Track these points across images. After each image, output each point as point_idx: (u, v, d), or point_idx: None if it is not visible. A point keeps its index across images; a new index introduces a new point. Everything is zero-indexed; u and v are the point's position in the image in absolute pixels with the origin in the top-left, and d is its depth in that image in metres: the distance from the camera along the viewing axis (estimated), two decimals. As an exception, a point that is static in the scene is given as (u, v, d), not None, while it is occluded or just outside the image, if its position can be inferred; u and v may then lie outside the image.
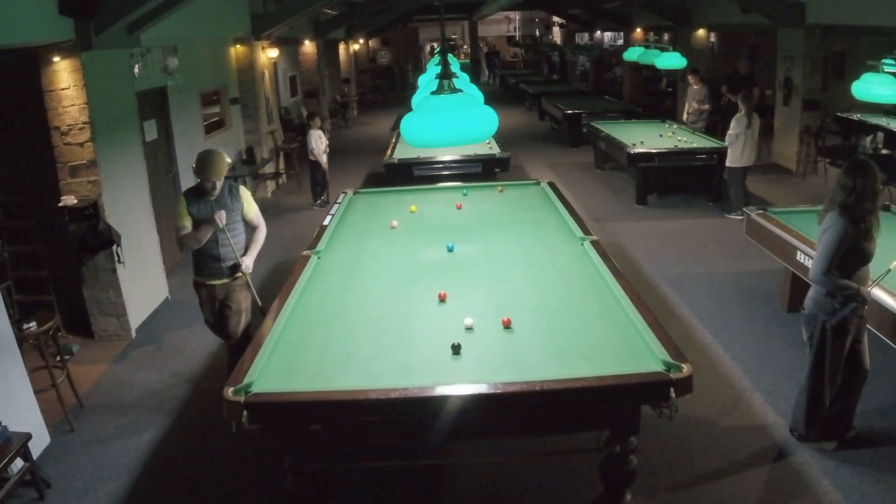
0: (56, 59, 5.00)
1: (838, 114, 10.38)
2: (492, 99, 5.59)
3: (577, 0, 19.68)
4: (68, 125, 5.14)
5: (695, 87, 10.35)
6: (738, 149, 7.77)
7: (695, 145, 8.85)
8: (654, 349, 3.04)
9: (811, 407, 3.72)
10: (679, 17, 13.79)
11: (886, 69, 5.80)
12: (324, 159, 9.17)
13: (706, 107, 10.26)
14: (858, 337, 3.63)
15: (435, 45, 29.57)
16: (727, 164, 7.97)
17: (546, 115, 15.82)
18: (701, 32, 13.66)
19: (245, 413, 2.73)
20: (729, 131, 7.82)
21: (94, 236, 5.19)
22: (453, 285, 3.91)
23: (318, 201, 9.43)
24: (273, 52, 10.69)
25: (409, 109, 3.48)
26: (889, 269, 3.52)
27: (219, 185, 4.21)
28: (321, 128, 9.43)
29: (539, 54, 29.36)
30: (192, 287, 4.43)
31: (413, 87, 4.97)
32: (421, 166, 8.03)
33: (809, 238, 4.76)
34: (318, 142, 9.02)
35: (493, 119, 3.07)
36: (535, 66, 29.35)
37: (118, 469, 3.89)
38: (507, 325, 3.36)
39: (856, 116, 9.83)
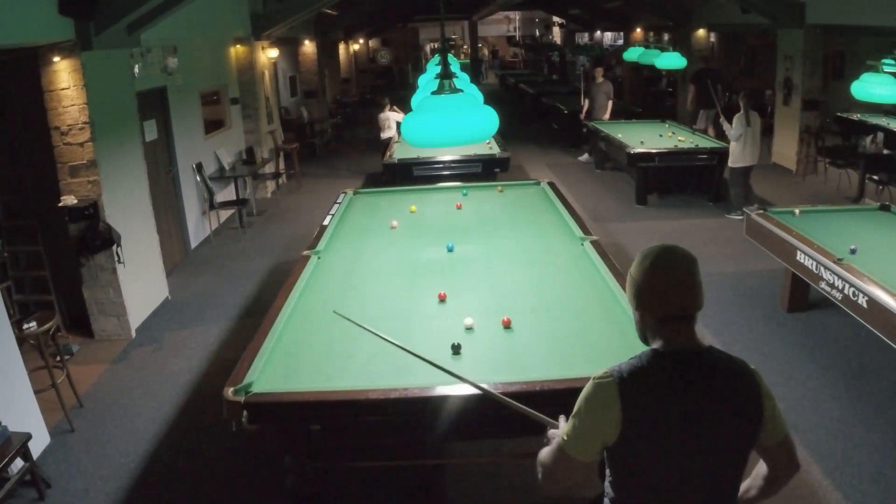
0: (56, 59, 4.99)
1: (838, 114, 10.38)
2: (492, 99, 5.59)
3: (577, 0, 19.69)
4: (68, 125, 5.14)
5: (599, 80, 11.41)
6: (738, 149, 7.76)
7: (695, 145, 8.85)
8: (654, 349, 3.03)
9: None
10: (679, 17, 13.78)
11: (886, 69, 5.79)
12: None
13: (612, 100, 11.37)
14: None
15: (434, 44, 29.57)
16: (729, 164, 7.97)
17: (546, 115, 15.82)
18: (701, 32, 13.66)
19: (245, 413, 2.72)
20: (730, 132, 7.82)
21: (94, 236, 5.19)
22: (453, 285, 3.91)
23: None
24: (273, 52, 10.69)
25: (409, 109, 3.47)
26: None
27: None
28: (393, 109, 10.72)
29: (539, 54, 29.37)
30: (191, 287, 4.34)
31: (413, 87, 4.95)
32: (421, 166, 8.03)
33: (809, 238, 4.76)
34: (387, 122, 10.45)
35: (493, 119, 3.06)
36: (535, 66, 29.36)
37: (118, 469, 3.89)
38: (507, 325, 3.36)
39: (856, 116, 9.82)
